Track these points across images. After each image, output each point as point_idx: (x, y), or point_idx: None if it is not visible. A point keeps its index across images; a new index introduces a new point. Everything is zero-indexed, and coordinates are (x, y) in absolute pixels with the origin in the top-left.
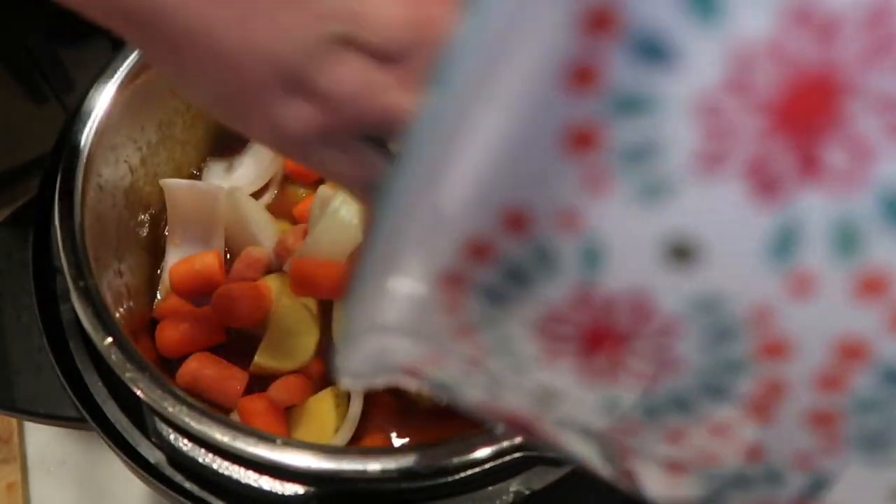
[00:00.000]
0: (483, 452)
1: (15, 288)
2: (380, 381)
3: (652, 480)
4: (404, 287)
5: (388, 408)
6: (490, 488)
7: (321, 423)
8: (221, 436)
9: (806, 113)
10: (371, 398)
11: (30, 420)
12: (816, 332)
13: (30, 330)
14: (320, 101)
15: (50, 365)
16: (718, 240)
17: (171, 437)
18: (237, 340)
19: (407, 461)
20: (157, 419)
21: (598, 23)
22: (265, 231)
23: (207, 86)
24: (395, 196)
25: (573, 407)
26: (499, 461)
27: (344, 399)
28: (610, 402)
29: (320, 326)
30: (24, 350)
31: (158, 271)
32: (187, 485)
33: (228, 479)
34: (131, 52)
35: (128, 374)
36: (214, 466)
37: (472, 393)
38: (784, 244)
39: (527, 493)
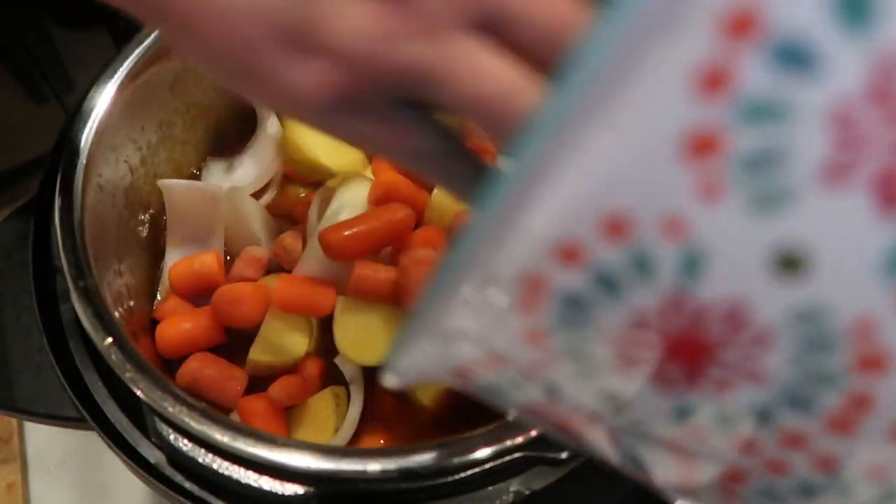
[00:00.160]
0: (483, 452)
1: (15, 288)
2: (423, 381)
3: (708, 491)
4: (485, 294)
5: (388, 408)
6: (490, 488)
7: (321, 423)
8: (221, 436)
9: None
10: (371, 398)
11: (30, 420)
12: None
13: (30, 330)
14: (331, 59)
15: (50, 365)
16: (832, 251)
17: (171, 437)
18: (237, 340)
19: (407, 461)
20: (156, 419)
21: (740, 26)
22: (265, 231)
23: (210, 52)
24: (498, 198)
25: (640, 413)
26: (499, 461)
27: (344, 399)
28: (682, 410)
29: (319, 326)
30: (24, 350)
31: (158, 271)
32: (187, 485)
33: (228, 479)
34: (131, 53)
35: (128, 374)
36: (214, 466)
37: (523, 396)
38: None
39: (527, 493)
